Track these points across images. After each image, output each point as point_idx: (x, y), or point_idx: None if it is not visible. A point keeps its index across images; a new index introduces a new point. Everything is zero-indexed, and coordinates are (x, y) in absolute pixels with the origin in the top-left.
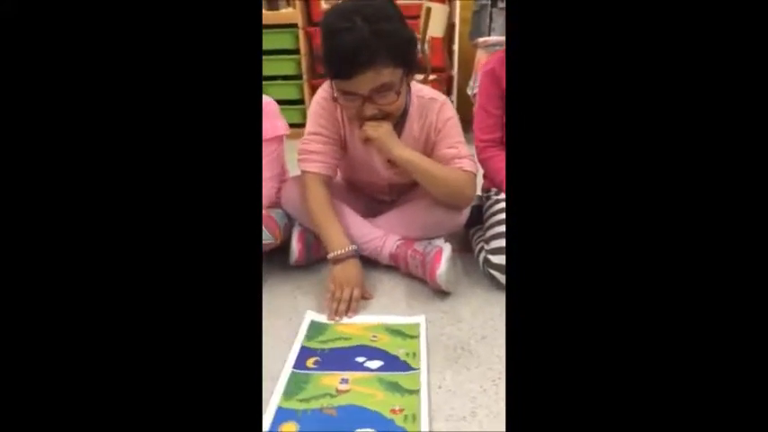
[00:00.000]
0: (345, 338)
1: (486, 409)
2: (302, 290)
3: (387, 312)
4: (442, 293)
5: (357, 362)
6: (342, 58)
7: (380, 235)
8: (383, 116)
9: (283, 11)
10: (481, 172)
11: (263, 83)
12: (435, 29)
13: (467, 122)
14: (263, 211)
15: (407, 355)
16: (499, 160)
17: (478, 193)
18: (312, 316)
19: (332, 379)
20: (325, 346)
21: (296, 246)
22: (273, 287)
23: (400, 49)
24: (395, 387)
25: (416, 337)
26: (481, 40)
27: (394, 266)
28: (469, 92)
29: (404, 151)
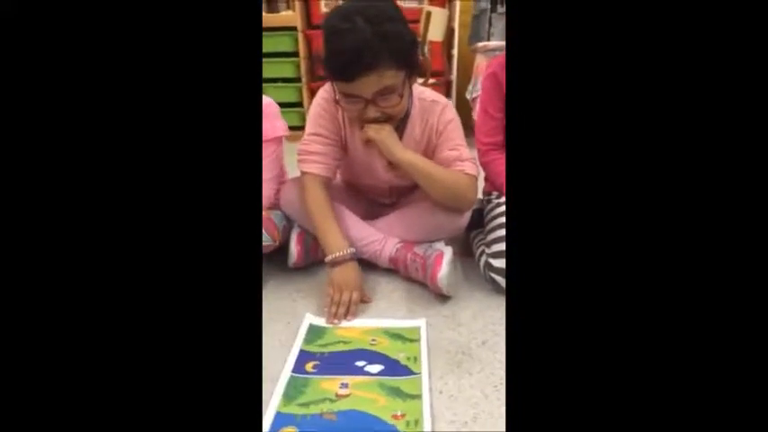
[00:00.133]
0: (345, 342)
1: (488, 414)
2: (301, 293)
3: (386, 316)
4: (441, 297)
5: (357, 366)
6: (344, 60)
7: (380, 238)
8: (385, 119)
9: (283, 13)
10: (482, 175)
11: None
12: (435, 33)
13: (466, 127)
14: (263, 213)
15: (408, 359)
16: (501, 163)
17: (479, 196)
18: (311, 319)
19: (331, 383)
20: (325, 350)
21: (295, 248)
22: (272, 290)
23: (403, 50)
24: (396, 392)
25: (417, 340)
26: (480, 44)
27: (393, 270)
28: (468, 96)
29: (405, 153)
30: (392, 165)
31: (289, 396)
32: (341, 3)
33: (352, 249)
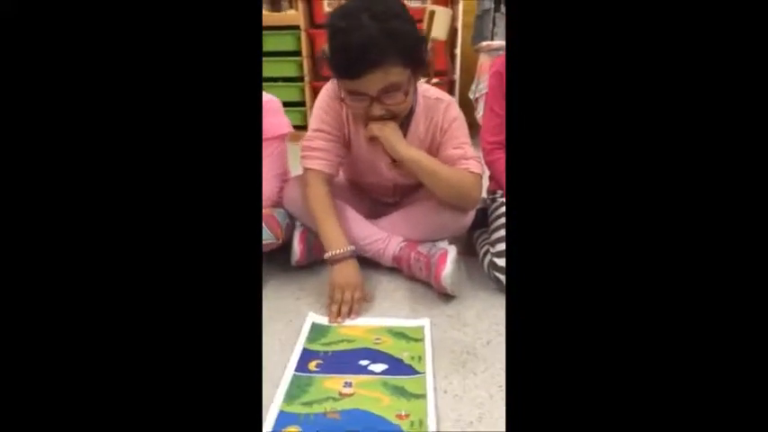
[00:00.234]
0: (348, 341)
1: (494, 414)
2: (304, 291)
3: (389, 315)
4: (445, 297)
5: (361, 365)
6: (349, 57)
7: (384, 236)
8: (390, 116)
9: (286, 12)
10: (487, 174)
11: (265, 84)
12: (439, 31)
13: (469, 127)
14: (266, 211)
15: (412, 358)
16: (505, 162)
17: (483, 195)
18: (314, 318)
19: (335, 382)
20: (328, 349)
21: (297, 246)
22: (274, 288)
23: (409, 47)
24: (400, 391)
25: (421, 340)
26: (484, 44)
27: (396, 269)
28: (471, 96)
29: (409, 150)
30: (396, 162)
31: (292, 395)
32: (345, 0)
33: (352, 247)
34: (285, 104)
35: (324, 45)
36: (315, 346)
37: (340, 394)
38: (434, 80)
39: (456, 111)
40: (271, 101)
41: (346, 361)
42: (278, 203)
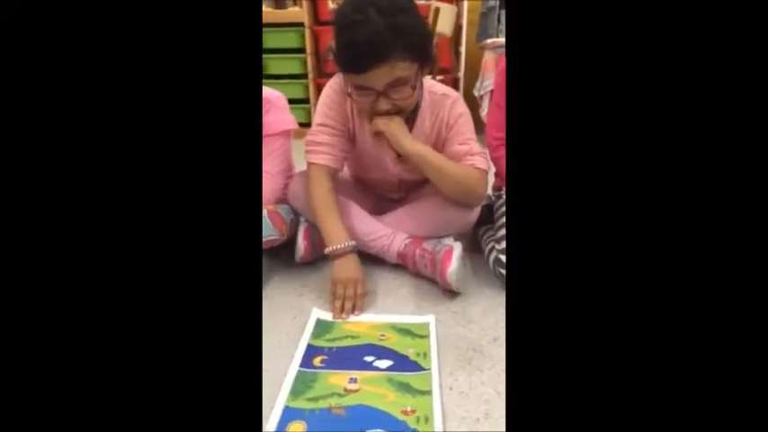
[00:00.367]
0: (353, 337)
1: (501, 411)
2: (307, 287)
3: (394, 312)
4: (450, 293)
5: (366, 361)
6: (356, 51)
7: (388, 233)
8: (396, 111)
9: (290, 9)
10: (492, 170)
11: (269, 81)
12: (444, 28)
13: (474, 123)
14: (270, 207)
15: (417, 354)
16: None
17: (489, 191)
18: (318, 314)
19: (340, 378)
20: (333, 345)
21: (302, 242)
22: (278, 284)
23: (416, 42)
24: (406, 387)
25: (426, 336)
26: (489, 41)
27: (401, 265)
28: (476, 93)
29: (414, 145)
30: (401, 157)
31: (297, 390)
32: None
33: (353, 242)
34: (289, 101)
35: (329, 42)
36: (319, 342)
37: (345, 390)
38: (439, 77)
39: (462, 107)
40: (277, 98)
41: (351, 357)
42: (282, 200)
